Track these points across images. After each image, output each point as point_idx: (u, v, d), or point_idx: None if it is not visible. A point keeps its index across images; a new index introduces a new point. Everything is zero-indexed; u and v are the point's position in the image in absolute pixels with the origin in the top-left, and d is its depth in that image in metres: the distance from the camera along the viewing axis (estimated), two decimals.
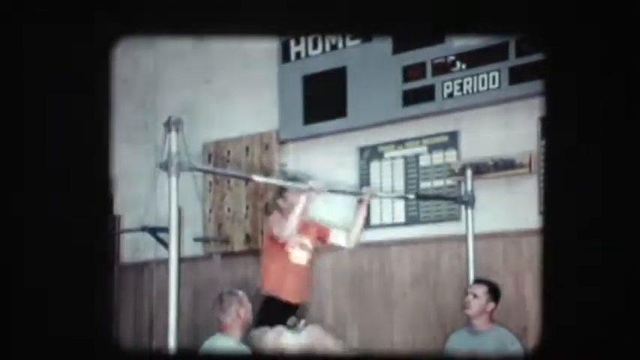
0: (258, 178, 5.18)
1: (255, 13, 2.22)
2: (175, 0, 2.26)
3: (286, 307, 4.81)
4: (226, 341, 4.89)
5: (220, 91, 7.49)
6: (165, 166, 3.99)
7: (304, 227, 4.92)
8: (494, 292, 5.12)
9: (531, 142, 5.69)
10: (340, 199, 5.86)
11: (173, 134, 4.02)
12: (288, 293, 4.83)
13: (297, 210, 4.73)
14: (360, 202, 5.28)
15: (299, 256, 4.91)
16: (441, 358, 4.17)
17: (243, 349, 4.89)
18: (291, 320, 4.78)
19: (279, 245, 4.82)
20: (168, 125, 4.04)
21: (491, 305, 5.08)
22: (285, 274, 4.85)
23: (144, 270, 7.48)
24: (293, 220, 4.73)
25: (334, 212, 6.37)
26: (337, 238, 5.15)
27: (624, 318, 2.26)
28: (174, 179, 3.97)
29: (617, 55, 2.29)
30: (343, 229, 5.19)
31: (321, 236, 5.10)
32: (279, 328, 4.72)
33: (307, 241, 4.97)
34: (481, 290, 5.10)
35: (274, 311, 4.77)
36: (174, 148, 4.00)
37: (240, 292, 5.10)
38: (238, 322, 4.96)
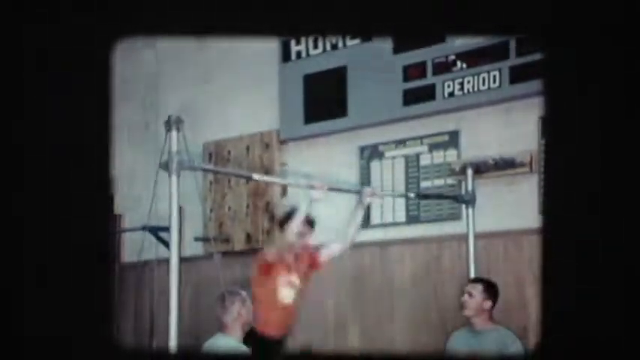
0: (257, 177, 5.19)
1: (255, 13, 2.22)
2: (175, 0, 2.26)
3: (268, 342, 4.89)
4: (227, 341, 4.88)
5: (221, 91, 7.49)
6: (165, 166, 3.98)
7: (295, 260, 4.98)
8: (491, 290, 5.10)
9: (532, 142, 5.68)
10: (340, 199, 5.85)
11: (174, 133, 4.02)
12: (272, 329, 4.94)
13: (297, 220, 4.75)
14: (359, 202, 5.27)
15: (286, 295, 4.96)
16: (441, 359, 4.16)
17: (244, 348, 4.89)
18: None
19: (270, 279, 4.91)
20: (168, 124, 4.04)
21: (489, 303, 5.06)
22: (270, 312, 4.94)
23: (144, 269, 7.47)
24: (293, 228, 4.76)
25: (334, 212, 6.37)
26: (330, 250, 5.17)
27: (624, 317, 2.26)
28: (174, 178, 3.97)
29: (616, 55, 2.29)
30: (333, 240, 5.20)
31: (313, 263, 5.11)
32: None
33: (295, 280, 5.00)
34: (477, 289, 5.09)
35: (255, 347, 4.84)
36: (174, 147, 4.00)
37: (243, 292, 5.09)
38: (239, 321, 4.95)
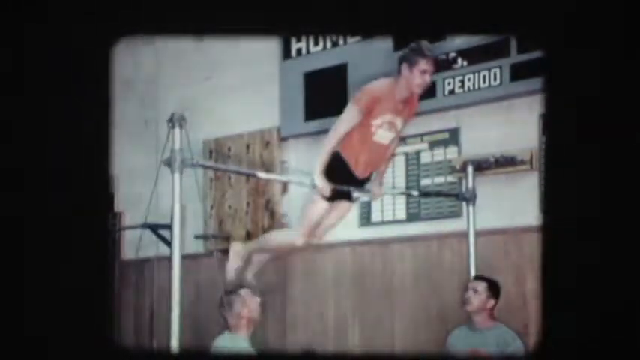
0: (262, 175, 5.18)
1: (255, 13, 2.22)
2: (175, 0, 2.26)
3: (352, 175, 4.69)
4: (233, 340, 4.89)
5: (221, 88, 7.49)
6: (168, 163, 3.99)
7: (404, 103, 4.70)
8: (494, 289, 5.11)
9: (532, 139, 5.68)
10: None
11: (176, 131, 4.02)
12: (358, 167, 4.69)
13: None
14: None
15: (384, 136, 4.69)
16: (441, 359, 4.17)
17: (249, 347, 4.90)
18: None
19: (369, 119, 4.62)
20: (171, 122, 4.04)
21: (491, 302, 5.07)
22: (363, 149, 4.67)
23: (145, 267, 7.48)
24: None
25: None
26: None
27: (624, 315, 2.26)
28: (177, 176, 3.97)
29: (617, 53, 2.29)
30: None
31: (412, 110, 4.82)
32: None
33: (399, 121, 4.73)
34: (481, 286, 5.10)
35: (340, 171, 4.64)
36: (177, 145, 4.01)
37: (243, 291, 5.08)
38: (243, 321, 4.97)
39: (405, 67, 4.65)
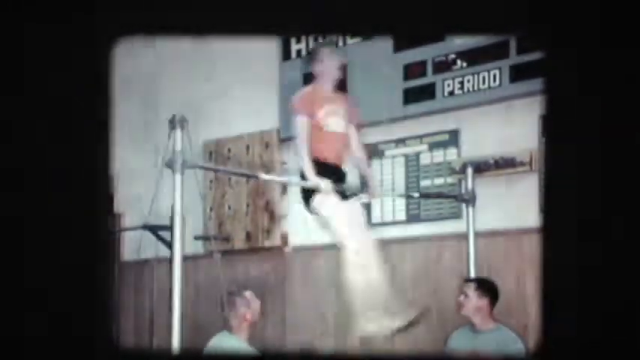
0: (264, 176, 5.18)
1: (255, 13, 2.22)
2: (175, 0, 2.26)
3: (327, 166, 4.75)
4: (232, 340, 4.90)
5: (221, 90, 7.49)
6: (170, 164, 3.99)
7: (333, 94, 4.85)
8: (484, 288, 5.07)
9: (532, 140, 5.68)
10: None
11: (178, 132, 4.03)
12: (328, 159, 4.75)
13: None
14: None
15: (334, 124, 4.78)
16: (441, 359, 4.16)
17: (248, 349, 4.90)
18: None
19: (315, 122, 4.74)
20: (172, 123, 4.05)
21: (484, 301, 5.04)
22: (320, 141, 4.73)
23: (144, 268, 7.48)
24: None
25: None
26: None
27: (625, 316, 2.26)
28: (178, 177, 3.98)
29: (617, 53, 2.29)
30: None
31: (347, 103, 4.95)
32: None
33: (340, 109, 4.83)
34: (470, 288, 5.09)
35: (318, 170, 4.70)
36: (178, 146, 4.01)
37: (248, 293, 5.08)
38: (245, 324, 4.97)
39: (315, 65, 4.83)
